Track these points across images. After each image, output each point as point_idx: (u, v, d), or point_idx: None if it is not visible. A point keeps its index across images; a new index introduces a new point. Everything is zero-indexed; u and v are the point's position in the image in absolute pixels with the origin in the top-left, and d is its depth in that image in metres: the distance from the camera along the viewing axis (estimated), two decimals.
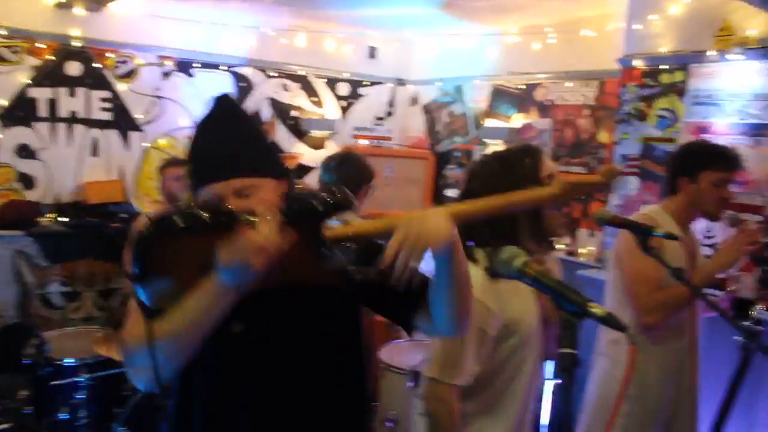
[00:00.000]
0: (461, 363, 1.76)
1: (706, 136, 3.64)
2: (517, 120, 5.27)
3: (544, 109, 5.06)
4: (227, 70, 5.50)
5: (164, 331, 1.25)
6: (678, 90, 3.81)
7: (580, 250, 4.73)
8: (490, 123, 5.50)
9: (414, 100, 6.38)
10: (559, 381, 1.12)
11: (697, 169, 2.46)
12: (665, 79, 3.88)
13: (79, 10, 4.72)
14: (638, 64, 4.00)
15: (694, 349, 2.39)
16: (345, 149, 4.44)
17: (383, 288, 1.34)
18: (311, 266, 1.33)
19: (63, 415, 3.18)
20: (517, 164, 1.85)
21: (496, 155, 1.93)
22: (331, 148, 5.99)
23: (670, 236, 2.02)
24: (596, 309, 1.11)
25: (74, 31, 4.78)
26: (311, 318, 1.45)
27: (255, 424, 1.43)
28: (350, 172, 3.12)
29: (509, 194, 1.51)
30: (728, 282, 2.55)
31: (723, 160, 2.44)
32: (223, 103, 1.43)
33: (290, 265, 1.29)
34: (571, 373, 1.12)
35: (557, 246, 1.99)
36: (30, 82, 4.69)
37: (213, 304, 1.28)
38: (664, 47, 3.87)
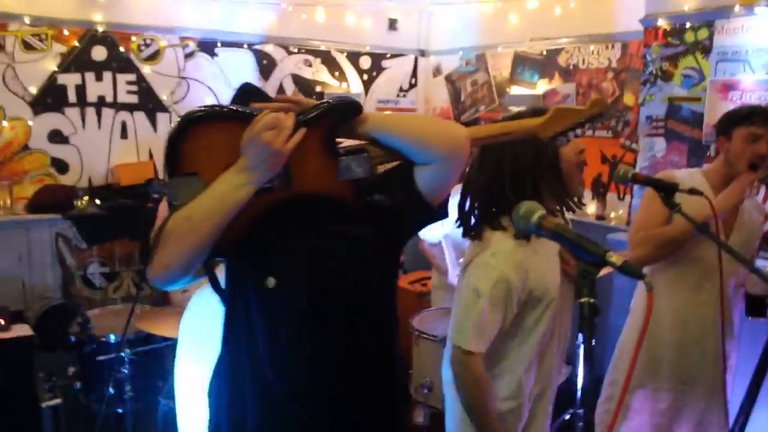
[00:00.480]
0: (481, 331, 1.83)
1: (733, 93, 3.60)
2: (541, 86, 5.24)
3: (568, 73, 5.01)
4: (249, 48, 5.54)
5: (180, 213, 1.35)
6: (703, 48, 3.76)
7: (610, 214, 4.72)
8: (514, 90, 5.48)
9: (437, 71, 6.36)
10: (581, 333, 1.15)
11: (731, 126, 2.46)
12: (690, 37, 3.82)
13: None
14: (662, 23, 3.95)
15: (720, 314, 2.38)
16: None
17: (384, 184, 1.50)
18: (330, 175, 1.41)
19: (110, 390, 3.30)
20: None
21: (511, 118, 1.92)
22: None
23: (694, 191, 2.03)
24: (614, 258, 1.14)
25: (98, 16, 4.86)
26: (340, 265, 1.49)
27: (297, 375, 1.49)
28: None
29: (506, 123, 1.64)
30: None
31: (755, 115, 2.43)
32: (246, 88, 1.52)
33: (309, 172, 1.40)
34: (591, 322, 1.15)
35: (582, 206, 2.00)
36: (57, 68, 4.79)
37: (229, 191, 1.34)
38: (687, 5, 3.81)
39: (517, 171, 1.86)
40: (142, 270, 4.93)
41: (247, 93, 1.51)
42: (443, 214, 1.53)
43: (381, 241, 1.53)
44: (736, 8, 3.54)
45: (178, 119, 1.36)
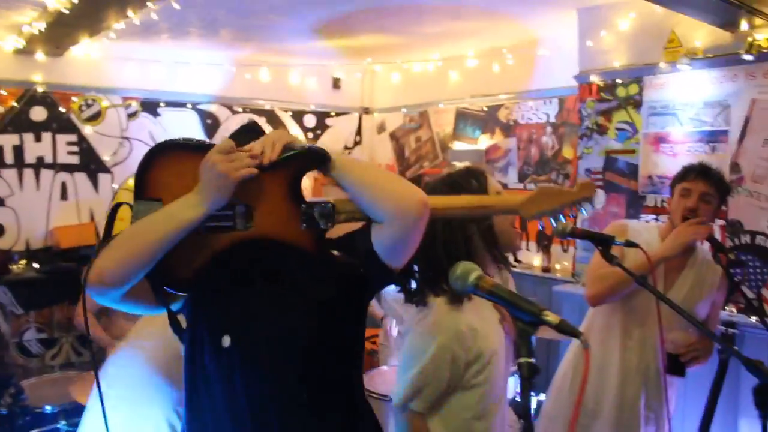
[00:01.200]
0: (425, 391, 1.82)
1: (664, 146, 3.75)
2: (483, 141, 5.36)
3: (509, 128, 5.15)
4: (193, 108, 5.54)
5: (129, 227, 1.39)
6: (634, 102, 3.92)
7: (555, 266, 4.79)
8: (457, 146, 5.59)
9: (381, 128, 6.46)
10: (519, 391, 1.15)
11: (673, 184, 2.56)
12: (621, 92, 3.99)
13: (40, 56, 4.74)
14: (594, 79, 4.12)
15: (643, 364, 2.50)
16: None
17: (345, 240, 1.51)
18: (292, 222, 1.41)
19: None
20: (464, 186, 1.88)
21: (444, 179, 1.95)
22: (304, 181, 6.03)
23: (630, 244, 2.08)
24: (550, 317, 1.14)
25: (37, 77, 4.80)
26: (300, 327, 1.46)
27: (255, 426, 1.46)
28: None
29: (485, 197, 1.60)
30: None
31: (689, 171, 2.52)
32: (248, 125, 1.62)
33: (271, 215, 1.41)
34: (530, 382, 1.15)
35: (513, 261, 2.01)
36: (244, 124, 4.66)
37: (179, 210, 1.36)
38: (618, 62, 4.00)
39: (448, 232, 1.86)
40: (81, 336, 4.75)
41: (247, 129, 1.57)
42: (404, 279, 1.56)
43: (343, 302, 1.51)
44: (661, 65, 3.73)
45: (150, 148, 1.43)
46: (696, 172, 2.49)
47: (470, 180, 1.89)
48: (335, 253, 1.50)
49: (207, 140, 1.45)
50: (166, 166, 1.41)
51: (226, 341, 1.44)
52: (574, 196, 1.59)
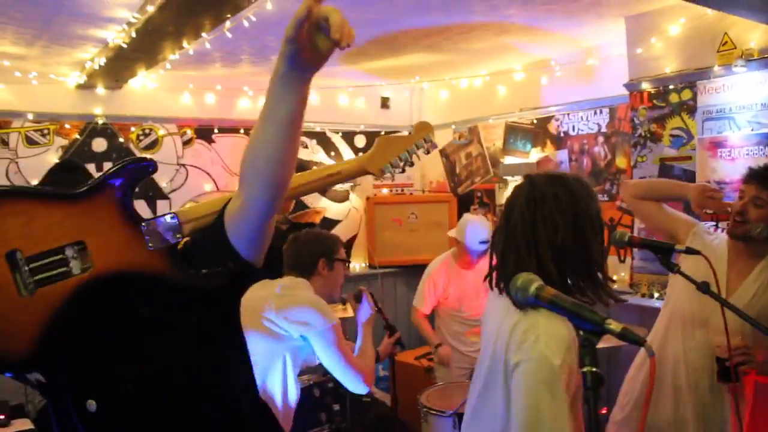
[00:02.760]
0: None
1: (722, 150, 3.66)
2: (534, 154, 5.32)
3: (559, 140, 5.11)
4: (245, 133, 5.67)
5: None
6: (688, 108, 3.85)
7: (613, 277, 4.70)
8: (507, 160, 5.56)
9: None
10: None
11: None
12: (674, 98, 3.92)
13: (100, 90, 4.94)
14: (645, 86, 4.06)
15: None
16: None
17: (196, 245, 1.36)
18: (136, 246, 1.25)
19: None
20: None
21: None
22: (354, 200, 6.11)
23: (691, 251, 2.04)
24: (613, 325, 1.14)
25: (97, 109, 5.00)
26: (172, 369, 1.32)
27: None
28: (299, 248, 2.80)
29: (332, 165, 1.62)
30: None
31: (746, 174, 2.48)
32: (65, 164, 1.52)
33: (110, 246, 1.23)
34: (596, 392, 1.14)
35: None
36: (59, 161, 4.87)
37: (273, 81, 1.20)
38: (669, 67, 3.93)
39: (535, 239, 1.68)
40: None
41: (64, 168, 1.49)
42: (269, 273, 1.45)
43: (216, 320, 1.37)
44: (715, 68, 3.65)
45: None
46: (750, 174, 2.44)
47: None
48: (198, 270, 1.32)
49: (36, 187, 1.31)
50: (8, 214, 1.19)
51: (92, 406, 1.28)
52: (415, 138, 1.57)
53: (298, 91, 1.20)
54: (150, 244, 1.26)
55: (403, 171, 1.61)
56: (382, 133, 6.39)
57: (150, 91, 5.21)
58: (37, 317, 1.17)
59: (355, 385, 2.61)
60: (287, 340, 2.55)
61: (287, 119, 1.21)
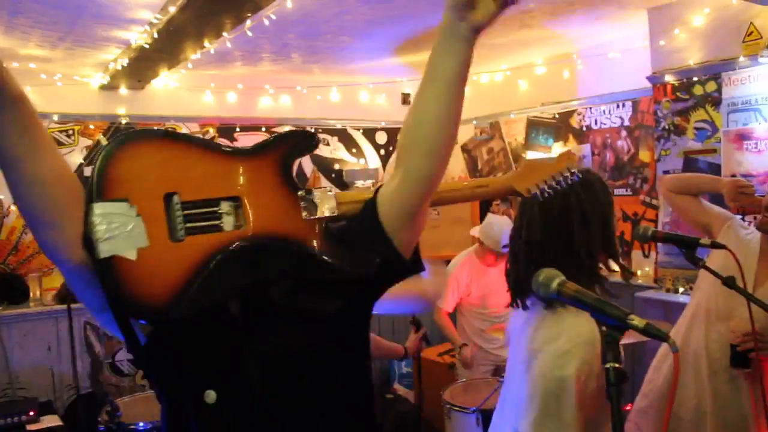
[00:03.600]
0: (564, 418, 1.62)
1: (747, 143, 3.61)
2: (557, 149, 5.28)
3: (582, 134, 5.07)
4: (267, 131, 5.70)
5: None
6: (713, 100, 3.80)
7: (637, 272, 4.66)
8: (530, 155, 5.53)
9: None
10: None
11: None
12: (698, 90, 3.87)
13: (123, 90, 5.00)
14: (669, 79, 4.01)
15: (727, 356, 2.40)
16: None
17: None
18: (291, 213, 1.20)
19: None
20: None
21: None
22: None
23: (716, 245, 2.02)
24: (636, 321, 1.12)
25: (121, 110, 5.06)
26: (300, 363, 1.23)
27: None
28: None
29: (481, 180, 1.60)
30: None
31: None
32: None
33: (267, 208, 1.18)
34: (619, 388, 1.13)
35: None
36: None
37: (449, 45, 1.18)
38: (692, 59, 3.88)
39: (589, 228, 1.73)
40: None
41: None
42: (419, 267, 1.32)
43: (354, 314, 1.30)
44: (741, 59, 3.59)
45: (104, 144, 1.15)
46: None
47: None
48: (346, 252, 1.23)
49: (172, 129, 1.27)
50: (129, 159, 1.13)
51: (211, 397, 1.18)
52: (559, 166, 1.56)
53: (463, 47, 1.17)
54: (306, 213, 1.21)
55: (549, 194, 1.64)
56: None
57: (172, 90, 5.26)
58: (182, 265, 1.10)
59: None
60: None
61: (452, 77, 1.19)
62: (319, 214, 1.21)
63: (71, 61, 4.41)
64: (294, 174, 1.24)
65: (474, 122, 6.10)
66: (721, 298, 2.41)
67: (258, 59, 4.84)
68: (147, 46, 3.72)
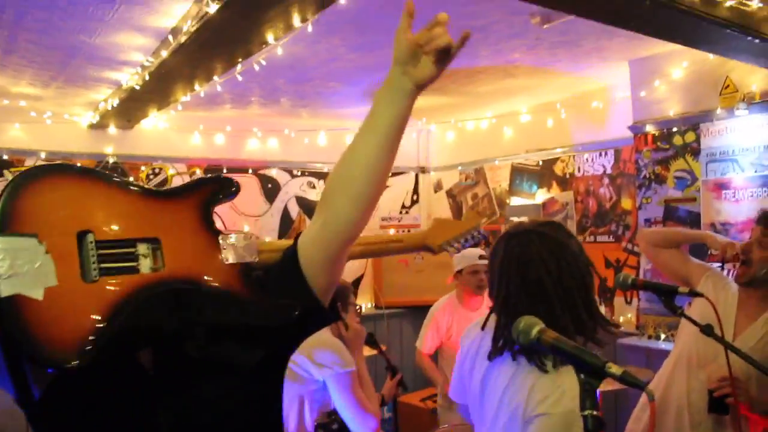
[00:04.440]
0: None
1: (726, 192, 3.68)
2: (540, 195, 5.36)
3: (565, 182, 5.15)
4: (254, 173, 5.73)
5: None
6: (692, 150, 3.89)
7: (619, 319, 4.69)
8: (514, 201, 5.60)
9: (438, 186, 6.53)
10: None
11: None
12: (678, 140, 3.96)
13: (112, 129, 5.03)
14: (650, 129, 4.11)
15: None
16: None
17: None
18: (211, 256, 1.17)
19: None
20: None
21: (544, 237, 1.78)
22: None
23: (694, 293, 2.05)
24: (614, 369, 1.15)
25: (109, 149, 5.08)
26: (231, 416, 1.19)
27: None
28: None
29: (395, 235, 1.65)
30: None
31: (757, 216, 2.52)
32: None
33: (185, 250, 1.15)
34: None
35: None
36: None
37: (385, 96, 1.20)
38: (672, 110, 3.98)
39: (566, 289, 1.73)
40: None
41: None
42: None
43: (275, 365, 1.27)
44: (718, 111, 3.70)
45: (12, 177, 1.09)
46: (759, 215, 2.48)
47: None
48: (272, 299, 1.21)
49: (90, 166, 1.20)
50: (40, 193, 1.06)
51: None
52: (467, 226, 1.67)
53: (403, 100, 1.21)
54: (225, 257, 1.18)
55: (458, 251, 1.72)
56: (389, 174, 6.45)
57: (161, 131, 5.30)
58: (94, 307, 1.01)
59: (366, 430, 2.61)
60: (308, 384, 2.56)
61: (389, 127, 1.21)
62: (239, 259, 1.18)
63: (62, 99, 4.45)
64: (236, 221, 1.23)
65: (459, 168, 6.18)
66: (701, 347, 2.43)
67: (247, 102, 4.91)
68: (138, 87, 3.77)
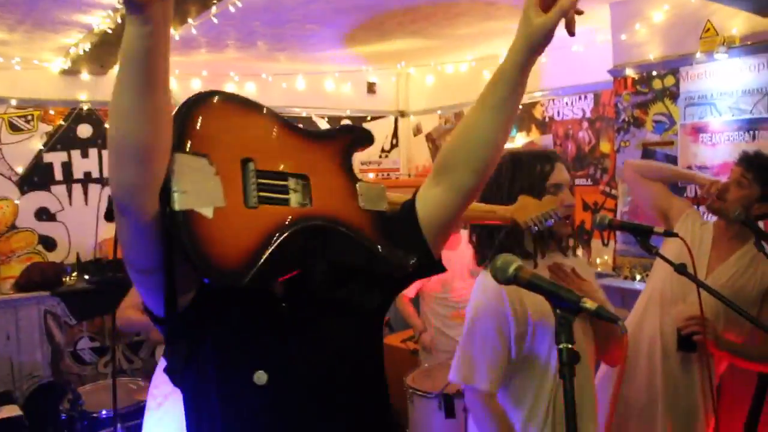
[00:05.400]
0: (479, 367, 1.85)
1: (703, 135, 3.71)
2: (520, 139, 5.36)
3: (544, 125, 5.15)
4: None
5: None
6: (671, 94, 3.90)
7: (596, 260, 4.77)
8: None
9: (417, 130, 6.50)
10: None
11: None
12: (657, 84, 3.97)
13: (85, 75, 4.92)
14: (629, 72, 4.10)
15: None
16: None
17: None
18: (350, 199, 1.23)
19: None
20: (527, 169, 1.92)
21: (513, 155, 1.98)
22: None
23: (669, 234, 2.09)
24: (589, 304, 1.18)
25: (82, 95, 4.98)
26: (350, 349, 1.28)
27: None
28: None
29: (490, 207, 1.77)
30: None
31: (738, 156, 2.56)
32: None
33: (329, 190, 1.20)
34: (571, 368, 1.18)
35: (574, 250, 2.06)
36: (43, 148, 4.86)
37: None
38: (652, 54, 3.97)
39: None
40: (131, 343, 4.90)
41: None
42: (442, 268, 1.39)
43: (384, 309, 1.35)
44: (698, 55, 3.69)
45: (196, 95, 1.12)
46: (741, 156, 2.53)
47: (536, 164, 1.93)
48: (393, 249, 1.26)
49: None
50: (214, 117, 1.11)
51: (262, 378, 1.17)
52: (549, 205, 1.80)
53: (526, 79, 1.30)
54: (365, 204, 1.24)
55: (539, 231, 1.83)
56: (368, 118, 6.42)
57: None
58: (254, 232, 1.07)
59: None
60: None
61: (514, 108, 1.30)
62: (373, 207, 1.25)
63: (30, 44, 4.32)
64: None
65: (439, 112, 6.15)
66: (675, 285, 2.49)
67: (223, 46, 4.81)
68: (110, 32, 3.67)
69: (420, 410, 3.23)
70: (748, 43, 3.48)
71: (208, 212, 1.03)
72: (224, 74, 5.54)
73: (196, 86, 5.45)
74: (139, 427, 3.35)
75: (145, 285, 1.14)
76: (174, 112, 1.06)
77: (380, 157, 6.47)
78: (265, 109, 1.19)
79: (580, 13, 1.22)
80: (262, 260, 1.06)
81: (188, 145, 1.05)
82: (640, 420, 2.54)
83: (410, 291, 4.08)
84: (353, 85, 6.28)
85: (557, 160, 1.96)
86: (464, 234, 4.22)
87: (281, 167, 1.16)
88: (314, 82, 5.98)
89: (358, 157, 6.23)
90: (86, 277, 4.92)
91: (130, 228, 1.05)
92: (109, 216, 1.06)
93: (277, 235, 1.09)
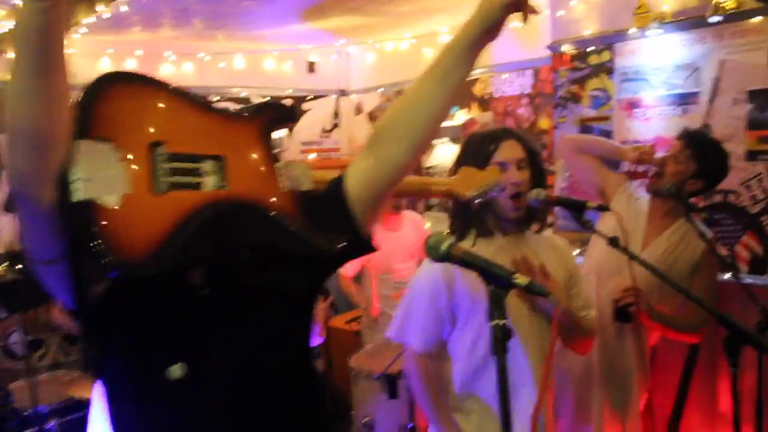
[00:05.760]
0: (412, 327, 1.96)
1: (637, 110, 3.78)
2: (460, 116, 5.37)
3: (484, 102, 5.17)
4: None
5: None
6: (607, 69, 3.95)
7: None
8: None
9: (358, 109, 6.45)
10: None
11: None
12: (594, 60, 4.02)
13: (10, 55, 4.69)
14: (566, 48, 4.14)
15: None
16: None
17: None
18: (270, 180, 1.17)
19: None
20: (473, 147, 1.98)
21: (468, 135, 2.08)
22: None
23: (602, 208, 2.12)
24: (520, 279, 1.18)
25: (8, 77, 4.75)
26: (274, 338, 1.21)
27: None
28: None
29: (430, 179, 1.78)
30: None
31: (679, 132, 2.63)
32: None
33: (247, 171, 1.14)
34: (504, 344, 1.18)
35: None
36: None
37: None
38: (589, 30, 4.02)
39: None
40: (68, 336, 4.75)
41: None
42: (373, 248, 1.34)
43: (312, 294, 1.30)
44: (631, 31, 3.75)
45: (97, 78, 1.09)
46: (682, 132, 2.63)
47: (484, 143, 1.96)
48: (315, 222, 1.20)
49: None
50: (117, 99, 1.05)
51: (176, 372, 1.10)
52: (491, 177, 1.81)
53: (475, 58, 1.29)
54: (285, 183, 1.18)
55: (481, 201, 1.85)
56: (309, 97, 6.34)
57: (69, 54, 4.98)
58: (163, 219, 1.02)
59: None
60: None
61: (457, 83, 1.28)
62: (296, 187, 1.19)
63: None
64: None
65: (380, 90, 6.11)
66: (612, 258, 2.53)
67: (157, 24, 4.66)
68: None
69: (364, 391, 3.24)
70: (681, 18, 3.54)
71: (111, 201, 0.98)
72: (159, 54, 5.37)
73: (131, 66, 5.28)
74: (79, 421, 3.27)
75: (50, 277, 1.08)
76: (74, 98, 1.02)
77: (321, 136, 6.40)
78: (175, 88, 1.14)
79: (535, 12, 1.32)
80: (169, 249, 1.00)
81: (89, 131, 1.00)
82: (578, 390, 2.60)
83: (350, 270, 4.06)
84: (293, 64, 6.18)
85: (506, 138, 1.96)
86: (407, 215, 4.23)
87: (195, 149, 1.10)
88: (253, 62, 5.86)
89: (298, 137, 6.17)
90: (18, 267, 4.74)
91: (27, 218, 1.01)
92: (9, 206, 1.01)
93: (186, 221, 1.03)
